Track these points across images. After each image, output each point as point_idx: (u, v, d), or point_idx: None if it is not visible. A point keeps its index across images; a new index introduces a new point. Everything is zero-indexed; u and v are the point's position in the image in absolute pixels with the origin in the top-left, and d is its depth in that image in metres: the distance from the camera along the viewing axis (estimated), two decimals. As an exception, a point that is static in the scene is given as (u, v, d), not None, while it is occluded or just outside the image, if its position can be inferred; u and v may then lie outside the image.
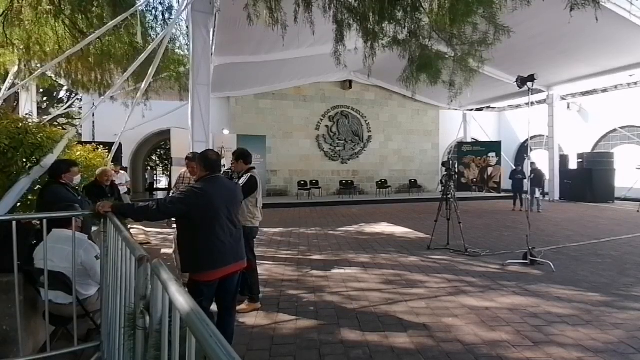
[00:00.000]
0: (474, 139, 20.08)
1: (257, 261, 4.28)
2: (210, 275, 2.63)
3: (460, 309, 4.04)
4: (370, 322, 3.69)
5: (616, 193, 15.20)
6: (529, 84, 6.03)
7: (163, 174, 32.70)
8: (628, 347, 3.17)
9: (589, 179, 15.06)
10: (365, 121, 18.48)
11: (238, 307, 3.60)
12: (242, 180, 3.95)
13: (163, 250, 6.81)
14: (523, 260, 5.87)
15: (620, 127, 15.98)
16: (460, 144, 19.02)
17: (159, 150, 29.35)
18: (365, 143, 18.49)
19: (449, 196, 6.88)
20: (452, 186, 6.99)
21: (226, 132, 15.34)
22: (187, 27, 8.54)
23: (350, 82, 17.52)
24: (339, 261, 6.09)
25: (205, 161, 2.81)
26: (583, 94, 17.81)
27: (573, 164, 16.36)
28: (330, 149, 17.91)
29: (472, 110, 20.14)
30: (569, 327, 3.57)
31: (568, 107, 17.85)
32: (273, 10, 5.08)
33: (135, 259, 1.60)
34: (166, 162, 28.86)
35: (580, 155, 16.10)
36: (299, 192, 16.04)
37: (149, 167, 28.59)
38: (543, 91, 15.61)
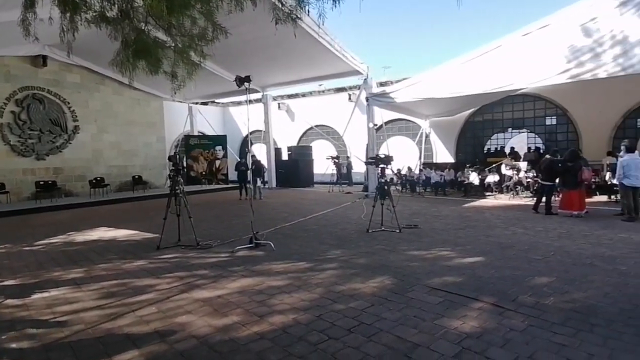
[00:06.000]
0: (201, 133, 20.46)
1: None
2: None
3: (194, 303, 4.01)
4: (88, 348, 3.11)
5: (315, 178, 19.00)
6: (246, 84, 6.60)
7: None
8: (326, 300, 3.98)
9: (296, 168, 18.23)
10: (69, 108, 15.30)
11: None
12: None
13: None
14: (249, 244, 6.43)
15: (316, 126, 20.04)
16: (187, 137, 18.95)
17: None
18: (70, 134, 15.32)
19: (178, 191, 6.72)
20: (181, 180, 6.87)
21: None
22: None
23: (45, 57, 13.94)
24: (41, 282, 4.90)
25: None
26: (290, 96, 21.27)
27: (285, 156, 19.35)
28: (19, 141, 13.90)
29: (197, 103, 20.43)
30: (286, 295, 4.15)
31: (279, 107, 20.88)
32: None
33: None
34: None
35: (289, 148, 19.32)
36: (-25, 201, 11.90)
37: None
38: (259, 91, 17.58)
